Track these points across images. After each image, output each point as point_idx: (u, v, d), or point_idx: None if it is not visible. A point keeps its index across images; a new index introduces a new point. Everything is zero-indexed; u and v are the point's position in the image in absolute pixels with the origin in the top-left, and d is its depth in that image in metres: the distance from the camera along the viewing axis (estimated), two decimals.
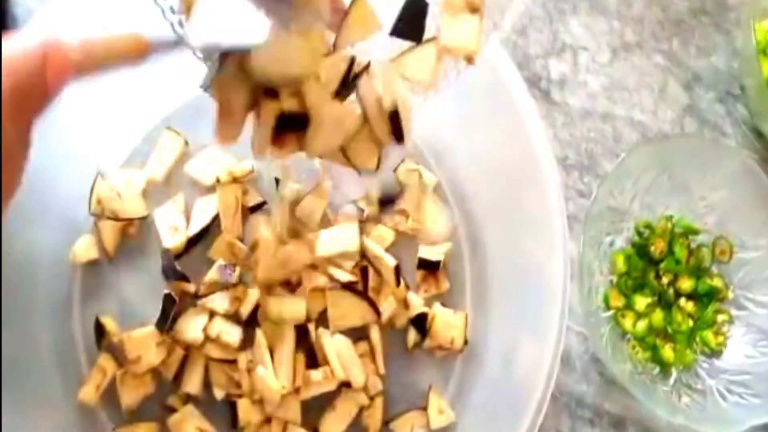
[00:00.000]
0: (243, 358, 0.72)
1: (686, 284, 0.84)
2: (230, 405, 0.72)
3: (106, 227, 0.76)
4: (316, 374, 0.72)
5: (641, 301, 0.83)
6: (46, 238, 0.74)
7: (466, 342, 0.77)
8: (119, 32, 0.51)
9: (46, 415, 0.70)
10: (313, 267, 0.73)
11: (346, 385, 0.74)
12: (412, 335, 0.77)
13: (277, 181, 0.76)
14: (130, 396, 0.72)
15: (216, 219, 0.76)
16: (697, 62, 0.95)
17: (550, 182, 0.69)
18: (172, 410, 0.73)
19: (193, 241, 0.75)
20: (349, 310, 0.73)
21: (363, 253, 0.75)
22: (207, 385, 0.74)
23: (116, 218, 0.75)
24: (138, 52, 0.52)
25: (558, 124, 0.90)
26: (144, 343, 0.71)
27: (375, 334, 0.76)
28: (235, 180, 0.76)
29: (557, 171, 0.69)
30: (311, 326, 0.72)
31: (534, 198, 0.70)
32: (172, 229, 0.75)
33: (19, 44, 0.46)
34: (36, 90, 0.46)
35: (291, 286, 0.74)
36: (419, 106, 0.62)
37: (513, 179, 0.74)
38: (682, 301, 0.84)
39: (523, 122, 0.69)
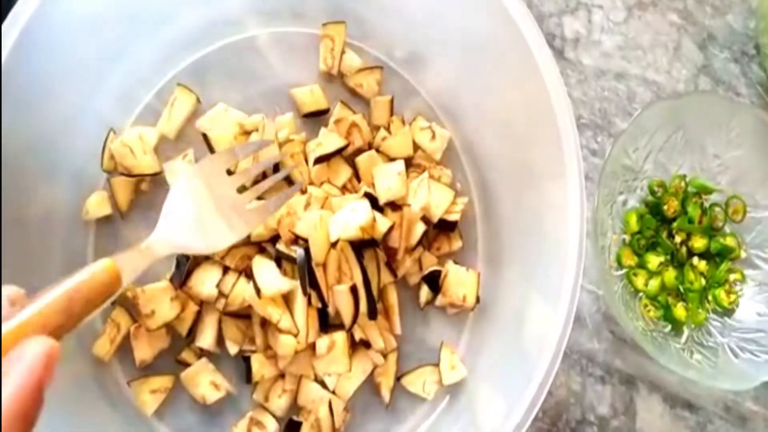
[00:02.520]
0: (257, 314, 0.72)
1: (699, 243, 0.84)
2: (244, 360, 0.73)
3: (119, 183, 0.76)
4: (322, 342, 0.72)
5: (654, 260, 0.83)
6: (59, 195, 0.74)
7: (478, 300, 0.77)
8: (87, 275, 0.50)
9: (60, 369, 0.69)
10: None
11: (363, 343, 0.74)
12: (425, 292, 0.78)
13: None
14: (143, 350, 0.73)
15: None
16: (712, 21, 0.94)
17: (567, 141, 0.67)
18: (186, 365, 0.73)
19: None
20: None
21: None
22: (220, 340, 0.74)
23: (129, 174, 0.75)
24: (115, 282, 0.52)
25: (572, 83, 0.89)
26: (158, 298, 0.71)
27: (392, 294, 0.76)
28: (245, 133, 0.76)
29: (575, 130, 0.68)
30: (322, 282, 0.72)
31: (550, 157, 0.69)
32: None
33: None
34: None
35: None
36: None
37: (528, 137, 0.74)
38: (695, 260, 0.84)
39: (541, 79, 0.68)
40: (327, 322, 0.73)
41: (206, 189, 0.67)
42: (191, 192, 0.66)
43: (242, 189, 0.72)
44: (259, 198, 0.72)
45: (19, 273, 0.66)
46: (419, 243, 0.76)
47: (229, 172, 0.72)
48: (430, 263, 0.78)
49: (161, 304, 0.72)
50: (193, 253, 0.66)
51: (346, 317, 0.72)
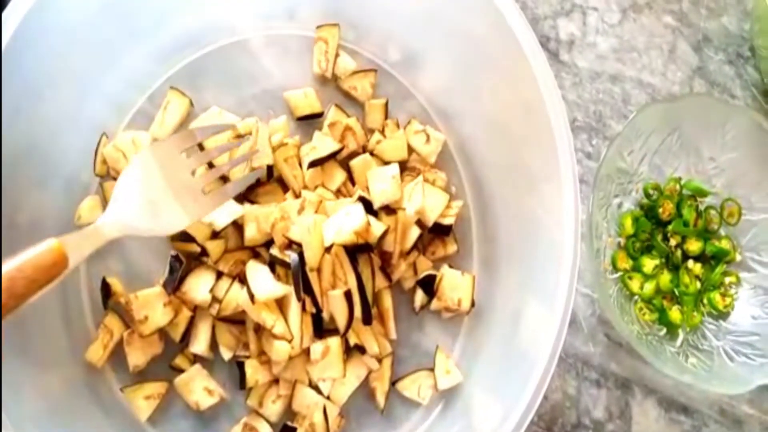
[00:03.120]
0: (251, 319, 0.72)
1: (694, 246, 0.84)
2: (238, 365, 0.72)
3: (112, 188, 0.75)
4: (317, 347, 0.72)
5: (649, 263, 0.83)
6: (52, 200, 0.73)
7: (473, 303, 0.77)
8: (31, 255, 0.52)
9: (53, 376, 0.70)
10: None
11: (357, 348, 0.74)
12: (420, 297, 0.77)
13: None
14: (137, 356, 0.72)
15: None
16: (707, 23, 0.94)
17: (562, 144, 0.67)
18: (180, 370, 0.73)
19: None
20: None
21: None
22: (214, 345, 0.74)
23: None
24: (61, 263, 0.53)
25: (566, 86, 0.89)
26: (151, 304, 0.71)
27: (386, 299, 0.76)
28: (239, 137, 0.75)
29: (569, 132, 0.68)
30: (316, 287, 0.72)
31: (545, 160, 0.69)
32: None
33: None
34: None
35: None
36: None
37: (522, 140, 0.73)
38: (690, 263, 0.84)
39: (535, 82, 0.67)
40: (321, 327, 0.73)
41: (160, 170, 0.67)
42: (144, 173, 0.66)
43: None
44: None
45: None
46: (414, 247, 0.76)
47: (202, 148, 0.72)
48: (424, 267, 0.78)
49: (154, 309, 0.71)
50: (144, 235, 0.65)
51: (341, 322, 0.71)
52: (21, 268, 0.51)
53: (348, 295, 0.70)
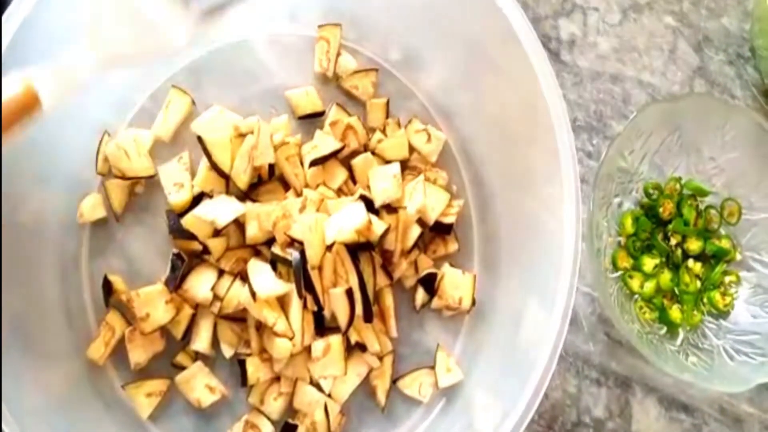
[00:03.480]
0: (252, 317, 0.72)
1: (694, 245, 0.84)
2: (239, 363, 0.73)
3: (114, 186, 0.75)
4: (318, 345, 0.72)
5: (649, 262, 0.83)
6: (54, 198, 0.74)
7: (473, 302, 0.77)
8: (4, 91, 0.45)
9: (54, 372, 0.70)
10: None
11: (358, 346, 0.74)
12: (421, 295, 0.78)
13: None
14: (138, 354, 0.72)
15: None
16: (707, 23, 0.94)
17: (562, 143, 0.67)
18: (181, 368, 0.73)
19: (199, 199, 0.75)
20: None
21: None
22: (215, 343, 0.74)
23: (124, 177, 0.75)
24: (32, 103, 0.47)
25: (567, 85, 0.89)
26: (152, 301, 0.71)
27: (388, 297, 0.76)
28: (241, 136, 0.75)
29: (570, 132, 0.68)
30: (318, 285, 0.72)
31: (545, 159, 0.69)
32: (177, 185, 0.75)
33: None
34: None
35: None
36: None
37: (523, 139, 0.74)
38: (690, 262, 0.84)
39: (536, 82, 0.67)
40: (323, 325, 0.73)
41: None
42: None
43: None
44: None
45: (14, 277, 0.66)
46: (415, 245, 0.76)
47: None
48: (425, 266, 0.78)
49: (156, 307, 0.71)
50: (133, 64, 0.55)
51: (342, 320, 0.71)
52: None
53: (349, 293, 0.70)
